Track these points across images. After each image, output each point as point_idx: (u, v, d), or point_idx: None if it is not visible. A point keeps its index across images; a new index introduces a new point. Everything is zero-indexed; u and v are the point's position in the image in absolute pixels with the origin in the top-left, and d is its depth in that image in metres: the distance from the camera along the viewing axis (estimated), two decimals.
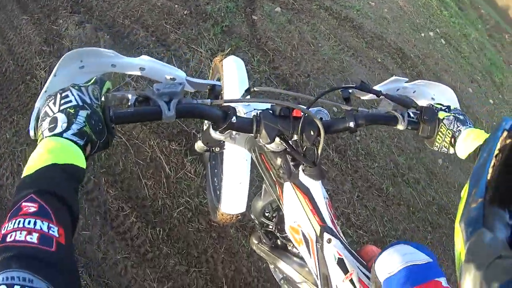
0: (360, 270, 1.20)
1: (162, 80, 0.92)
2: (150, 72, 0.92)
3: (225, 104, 0.92)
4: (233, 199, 1.46)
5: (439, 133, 1.06)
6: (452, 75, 4.19)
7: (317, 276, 1.19)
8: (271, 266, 1.53)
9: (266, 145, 1.05)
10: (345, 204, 2.36)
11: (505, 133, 0.43)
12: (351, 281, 1.17)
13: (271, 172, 1.16)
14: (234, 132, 1.13)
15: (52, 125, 0.67)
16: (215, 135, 1.01)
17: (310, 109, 0.96)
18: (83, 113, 0.69)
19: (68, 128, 0.67)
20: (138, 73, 0.92)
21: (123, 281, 1.77)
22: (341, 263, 1.16)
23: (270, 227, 1.37)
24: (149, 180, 2.03)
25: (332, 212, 1.15)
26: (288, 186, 1.12)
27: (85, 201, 1.89)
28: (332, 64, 3.15)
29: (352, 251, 1.17)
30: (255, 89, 1.09)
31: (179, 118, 0.82)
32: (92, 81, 0.77)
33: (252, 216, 1.39)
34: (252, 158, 1.25)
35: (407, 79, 1.18)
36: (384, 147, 2.80)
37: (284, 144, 0.97)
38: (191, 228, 1.96)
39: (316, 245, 1.13)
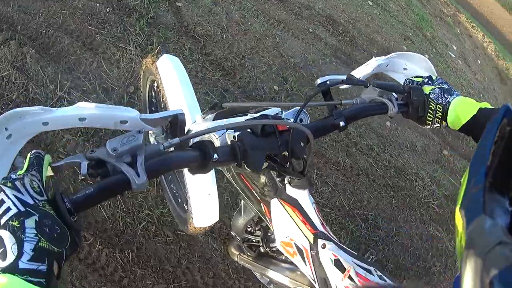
0: (356, 265, 1.19)
1: (110, 126, 0.74)
2: (93, 121, 0.73)
3: (192, 135, 0.73)
4: (204, 212, 1.38)
5: (429, 110, 1.00)
6: (384, 35, 4.28)
7: (314, 280, 1.15)
8: (257, 274, 1.48)
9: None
10: None
11: (505, 120, 0.43)
12: (350, 277, 1.16)
13: (253, 191, 1.08)
14: None
15: (0, 251, 0.50)
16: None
17: (289, 112, 0.87)
18: (30, 223, 0.52)
19: (20, 252, 0.50)
20: (79, 124, 0.74)
21: None
22: (338, 263, 1.14)
23: (254, 241, 1.31)
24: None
25: (321, 215, 1.11)
26: (275, 203, 1.04)
27: None
28: (265, 41, 3.09)
29: (344, 247, 1.14)
30: (224, 105, 0.94)
31: (152, 179, 0.66)
32: (25, 167, 0.58)
33: (233, 233, 1.32)
34: (229, 176, 1.16)
35: (383, 57, 1.12)
36: None
37: (272, 163, 0.87)
38: (159, 242, 1.87)
39: (311, 253, 1.09)
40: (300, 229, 1.07)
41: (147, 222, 1.90)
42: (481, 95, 4.94)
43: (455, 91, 1.00)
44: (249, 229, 1.28)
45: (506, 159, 0.42)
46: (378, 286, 0.86)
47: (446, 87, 1.00)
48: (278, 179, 1.03)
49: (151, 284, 1.77)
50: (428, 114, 1.01)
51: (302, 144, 0.84)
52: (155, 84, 1.62)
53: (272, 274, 1.30)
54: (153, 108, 1.79)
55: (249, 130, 0.81)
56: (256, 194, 1.08)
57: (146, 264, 1.82)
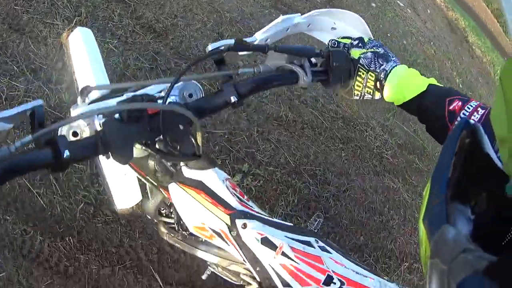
0: (291, 239, 1.12)
1: None
2: None
3: (45, 131, 0.62)
4: (123, 193, 1.29)
5: (357, 78, 0.87)
6: None
7: (244, 260, 1.06)
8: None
9: None
10: (246, 144, 2.25)
11: (464, 132, 0.44)
12: (283, 253, 1.08)
13: (148, 177, 0.98)
14: None
15: None
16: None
17: (169, 95, 0.74)
18: None
19: None
20: None
21: None
22: (266, 241, 1.05)
23: (172, 224, 1.21)
24: (39, 188, 1.79)
25: (238, 190, 1.01)
26: (174, 187, 0.94)
27: None
28: None
29: (275, 220, 1.06)
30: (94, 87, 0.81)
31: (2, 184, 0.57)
32: None
33: (149, 217, 1.22)
34: None
35: (299, 14, 0.94)
36: None
37: (149, 149, 0.76)
38: (99, 223, 1.79)
39: (231, 235, 1.00)
40: (212, 212, 0.97)
41: (85, 204, 1.81)
42: (431, 43, 4.95)
43: (392, 57, 0.87)
44: (163, 211, 1.18)
45: (466, 170, 0.43)
46: None
47: (382, 51, 0.86)
48: (168, 163, 0.93)
49: (96, 269, 1.70)
50: (356, 83, 0.88)
51: (181, 127, 0.74)
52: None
53: (203, 254, 1.19)
54: None
55: (117, 115, 0.70)
56: (152, 180, 0.98)
57: (89, 248, 1.74)
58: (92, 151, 0.67)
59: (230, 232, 1.00)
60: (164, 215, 1.19)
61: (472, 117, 0.74)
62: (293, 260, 1.12)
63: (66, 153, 0.63)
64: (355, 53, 0.88)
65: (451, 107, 0.78)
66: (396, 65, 0.85)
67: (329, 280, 1.16)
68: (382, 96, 0.88)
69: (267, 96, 2.55)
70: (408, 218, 2.57)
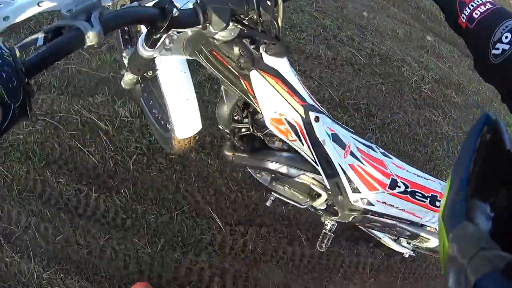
0: (356, 140, 1.16)
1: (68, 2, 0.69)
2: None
3: None
4: (185, 120, 1.31)
5: None
6: None
7: (315, 162, 1.10)
8: (256, 172, 1.42)
9: (218, 36, 0.87)
10: None
11: (485, 128, 0.43)
12: (352, 153, 1.13)
13: (229, 67, 1.00)
14: (167, 41, 0.98)
15: None
16: (146, 52, 0.85)
17: None
18: None
19: None
20: (38, 9, 0.70)
21: (118, 264, 1.65)
22: (336, 138, 1.09)
23: (244, 130, 1.23)
24: (90, 146, 1.82)
25: (307, 88, 1.04)
26: (255, 74, 0.97)
27: (42, 206, 1.68)
28: None
29: (339, 122, 1.10)
30: None
31: (108, 33, 0.62)
32: None
33: (221, 127, 1.23)
34: (202, 59, 1.06)
35: None
36: (305, 15, 2.66)
37: (240, 25, 0.81)
38: (153, 172, 1.82)
39: (305, 128, 1.04)
40: (288, 102, 1.01)
41: (137, 155, 1.84)
42: None
43: None
44: (236, 118, 1.20)
45: (487, 166, 0.42)
46: None
47: None
48: (252, 46, 0.95)
49: (154, 218, 1.74)
50: None
51: (269, 3, 0.78)
52: None
53: (272, 165, 1.23)
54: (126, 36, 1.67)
55: None
56: (233, 70, 1.00)
57: (145, 198, 1.78)
58: (193, 18, 0.73)
59: (304, 125, 1.03)
60: (237, 120, 1.21)
61: (477, 9, 0.79)
62: (360, 161, 1.15)
63: (175, 11, 0.67)
64: None
65: None
66: None
67: (394, 183, 1.19)
68: None
69: (304, 38, 2.51)
70: (452, 150, 2.52)
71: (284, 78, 0.99)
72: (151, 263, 1.66)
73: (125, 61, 1.35)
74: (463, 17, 0.81)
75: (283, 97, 1.00)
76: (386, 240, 1.68)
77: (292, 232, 1.89)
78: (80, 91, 1.93)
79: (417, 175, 1.24)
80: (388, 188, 1.18)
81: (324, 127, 1.07)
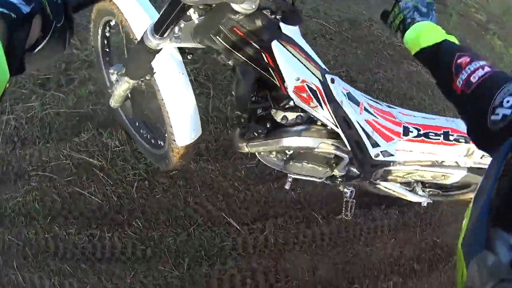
0: (364, 96, 1.27)
1: None
2: None
3: None
4: (186, 124, 1.31)
5: (392, 11, 0.98)
6: None
7: (335, 124, 1.17)
8: (268, 159, 1.43)
9: (240, 9, 0.92)
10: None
11: (510, 154, 0.42)
12: (366, 109, 1.22)
13: (251, 42, 1.04)
14: (176, 29, 1.04)
15: None
16: (155, 41, 0.92)
17: None
18: None
19: None
20: None
21: None
22: (351, 97, 1.19)
23: (260, 111, 1.27)
24: (89, 187, 1.80)
25: None
26: (276, 45, 1.03)
27: (60, 263, 1.64)
28: None
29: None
30: None
31: None
32: None
33: (238, 112, 1.24)
34: (219, 41, 1.08)
35: None
36: None
37: None
38: (158, 194, 1.81)
39: (325, 91, 1.11)
40: (307, 68, 1.08)
41: (138, 182, 1.83)
42: None
43: (430, 18, 0.94)
44: (253, 99, 1.24)
45: (510, 194, 0.40)
46: None
47: (424, 10, 0.95)
48: (271, 16, 1.03)
49: (173, 240, 1.74)
50: (391, 14, 0.98)
51: None
52: (111, 22, 1.52)
53: (290, 141, 1.27)
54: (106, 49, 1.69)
55: None
56: (255, 44, 1.05)
57: (158, 222, 1.77)
58: None
59: (324, 89, 1.11)
60: (255, 101, 1.25)
61: (475, 73, 0.74)
62: (373, 115, 1.24)
63: None
64: None
65: (459, 61, 0.79)
66: (425, 20, 0.93)
67: (406, 130, 1.27)
68: (402, 38, 0.95)
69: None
70: (437, 95, 2.55)
71: (300, 46, 1.06)
72: (182, 285, 1.66)
73: (113, 77, 1.38)
74: (458, 82, 0.77)
75: (302, 63, 1.07)
76: (402, 192, 1.71)
77: (307, 214, 1.92)
78: (64, 134, 1.91)
79: (424, 117, 1.34)
80: (403, 135, 1.27)
81: (340, 88, 1.16)
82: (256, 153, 1.44)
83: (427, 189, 1.83)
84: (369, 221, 2.01)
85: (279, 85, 1.11)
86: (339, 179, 1.49)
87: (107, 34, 1.63)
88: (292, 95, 1.09)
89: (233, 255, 1.77)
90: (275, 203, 1.88)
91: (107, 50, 1.70)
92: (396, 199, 2.10)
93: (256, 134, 1.28)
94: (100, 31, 1.60)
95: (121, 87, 1.30)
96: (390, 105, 1.34)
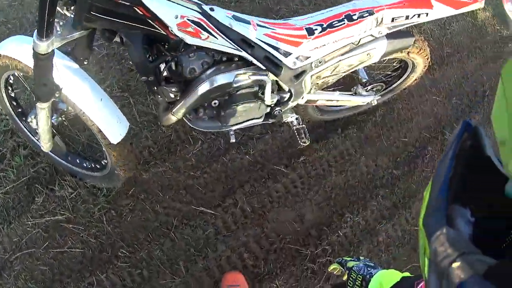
0: (253, 17, 1.29)
1: None
2: None
3: None
4: (111, 120, 1.34)
5: (350, 277, 1.02)
6: None
7: (236, 49, 1.20)
8: (202, 118, 1.46)
9: None
10: None
11: (466, 135, 0.44)
12: (259, 25, 1.26)
13: (121, 2, 1.05)
14: (58, 27, 1.10)
15: None
16: (43, 43, 0.99)
17: None
18: None
19: None
20: None
21: None
22: (237, 18, 1.21)
23: (164, 68, 1.26)
24: (66, 243, 1.78)
25: None
26: None
27: None
28: None
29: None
30: None
31: None
32: None
33: (144, 77, 1.25)
34: (100, 17, 1.10)
35: None
36: None
37: None
38: (127, 216, 1.81)
39: (208, 20, 1.13)
40: (182, 5, 1.09)
41: (105, 214, 1.82)
42: None
43: (379, 268, 1.03)
44: (149, 59, 1.24)
45: (467, 172, 0.43)
46: None
47: (372, 264, 1.04)
48: None
49: (160, 251, 1.75)
50: (348, 281, 1.03)
51: None
52: (14, 73, 1.52)
53: (205, 86, 1.27)
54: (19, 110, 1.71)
55: None
56: (125, 2, 1.05)
57: (139, 242, 1.77)
58: None
59: (206, 18, 1.13)
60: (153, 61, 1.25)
61: None
62: (270, 28, 1.27)
63: None
64: (350, 263, 1.05)
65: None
66: (380, 270, 1.01)
67: (310, 30, 1.31)
68: None
69: None
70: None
71: None
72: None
73: (33, 124, 1.44)
74: None
75: (175, 2, 1.08)
76: (345, 98, 1.74)
77: (270, 170, 1.93)
78: (21, 207, 1.90)
79: (322, 13, 1.39)
80: (309, 36, 1.30)
81: (222, 13, 1.18)
82: (187, 121, 1.46)
83: (369, 87, 1.85)
84: (332, 149, 2.03)
85: (166, 33, 1.12)
86: (277, 109, 1.50)
87: (12, 94, 1.64)
88: (179, 34, 1.10)
89: (219, 239, 1.79)
90: (235, 174, 1.89)
91: (20, 110, 1.71)
92: (349, 118, 2.13)
93: (173, 96, 1.30)
94: (4, 94, 1.61)
95: (41, 122, 1.33)
96: (282, 19, 1.37)
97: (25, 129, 1.74)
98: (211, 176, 1.86)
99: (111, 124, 1.32)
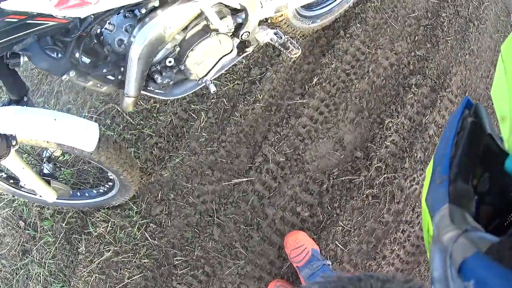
0: None
1: None
2: None
3: None
4: (78, 130, 1.16)
5: None
6: None
7: None
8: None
9: None
10: None
11: (466, 112, 0.44)
12: None
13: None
14: None
15: None
16: None
17: None
18: None
19: None
20: None
21: None
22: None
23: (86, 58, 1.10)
24: (124, 276, 1.71)
25: None
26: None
27: None
28: None
29: None
30: None
31: None
32: None
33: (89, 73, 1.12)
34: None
35: None
36: None
37: None
38: (168, 223, 1.69)
39: None
40: None
41: (146, 230, 1.71)
42: None
43: None
44: (58, 55, 1.06)
45: (469, 149, 0.42)
46: None
47: None
48: None
49: (210, 239, 1.62)
50: None
51: None
52: None
53: (136, 50, 1.08)
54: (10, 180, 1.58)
55: None
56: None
57: (188, 242, 1.66)
58: None
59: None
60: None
61: None
62: None
63: None
64: None
65: None
66: None
67: None
68: None
69: None
70: None
71: None
72: (254, 262, 1.56)
73: (27, 186, 1.32)
74: None
75: None
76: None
77: (287, 107, 1.75)
78: (70, 262, 1.83)
79: None
80: None
81: None
82: (162, 97, 1.31)
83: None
84: (342, 56, 1.81)
85: (55, 22, 0.93)
86: (243, 33, 1.27)
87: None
88: (65, 13, 0.90)
89: (265, 203, 1.64)
90: (253, 128, 1.71)
91: (12, 180, 1.59)
92: (347, 16, 1.86)
93: (113, 78, 1.15)
94: None
95: (25, 177, 1.21)
96: None
97: (26, 194, 1.64)
98: (230, 142, 1.69)
99: (78, 134, 1.16)
